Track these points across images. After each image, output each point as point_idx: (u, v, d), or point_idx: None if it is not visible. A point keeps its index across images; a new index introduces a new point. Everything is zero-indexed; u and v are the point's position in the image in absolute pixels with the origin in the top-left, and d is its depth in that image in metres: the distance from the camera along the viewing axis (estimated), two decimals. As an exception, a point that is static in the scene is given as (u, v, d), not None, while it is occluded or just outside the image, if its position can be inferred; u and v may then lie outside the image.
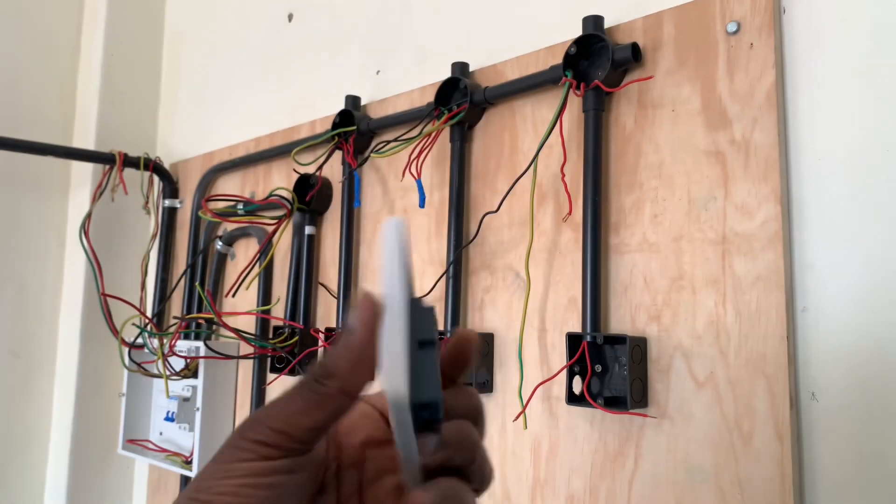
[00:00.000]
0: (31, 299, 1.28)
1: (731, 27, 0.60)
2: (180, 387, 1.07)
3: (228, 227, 1.10)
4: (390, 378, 0.29)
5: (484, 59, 0.80)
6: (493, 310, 0.74)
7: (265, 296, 1.02)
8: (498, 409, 0.72)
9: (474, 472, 0.32)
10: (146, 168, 1.21)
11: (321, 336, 0.88)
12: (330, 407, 0.30)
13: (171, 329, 1.02)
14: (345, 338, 0.30)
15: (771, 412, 0.54)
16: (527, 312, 0.69)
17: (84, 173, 1.29)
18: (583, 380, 0.62)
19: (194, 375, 1.03)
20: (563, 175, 0.68)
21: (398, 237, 0.30)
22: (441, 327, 0.75)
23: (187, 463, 1.04)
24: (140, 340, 1.01)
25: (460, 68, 0.79)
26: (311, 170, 0.94)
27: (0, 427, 1.23)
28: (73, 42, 1.37)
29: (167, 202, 1.24)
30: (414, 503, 0.29)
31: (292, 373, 0.91)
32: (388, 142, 0.80)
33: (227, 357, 1.00)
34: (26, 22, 1.30)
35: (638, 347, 0.60)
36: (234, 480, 0.29)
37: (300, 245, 0.97)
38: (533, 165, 0.67)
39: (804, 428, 0.54)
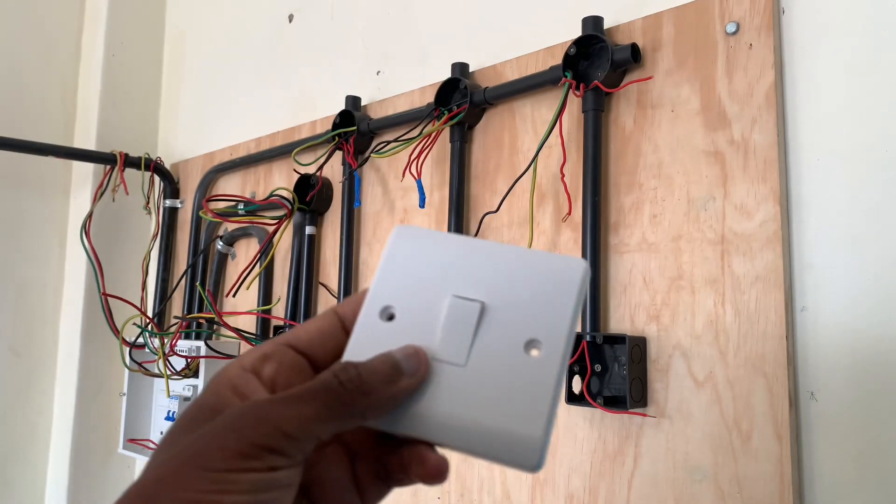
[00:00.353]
0: (33, 299, 1.28)
1: (731, 28, 0.60)
2: (181, 386, 1.07)
3: (229, 227, 1.11)
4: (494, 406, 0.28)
5: (484, 59, 0.81)
6: (493, 309, 0.74)
7: (266, 295, 1.03)
8: (498, 408, 0.72)
9: None
10: (147, 168, 1.22)
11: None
12: (347, 419, 0.27)
13: (172, 329, 1.02)
14: (394, 369, 0.28)
15: (770, 411, 0.54)
16: (526, 312, 0.69)
17: (85, 173, 1.29)
18: (582, 379, 0.62)
19: (195, 375, 1.03)
20: (563, 175, 0.68)
21: (583, 284, 0.30)
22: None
23: (188, 462, 1.04)
24: (141, 340, 1.01)
25: (460, 69, 0.79)
26: (311, 170, 0.94)
27: (1, 426, 1.23)
28: (74, 42, 1.37)
29: (168, 202, 1.24)
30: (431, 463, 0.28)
31: (293, 372, 0.91)
32: (389, 142, 0.80)
33: (228, 357, 1.00)
34: (28, 22, 1.30)
35: (637, 347, 0.61)
36: (236, 497, 0.24)
37: (300, 245, 0.97)
38: (533, 165, 0.67)
39: (803, 427, 0.54)
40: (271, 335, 0.97)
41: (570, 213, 0.68)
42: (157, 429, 1.15)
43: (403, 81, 0.91)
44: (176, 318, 1.17)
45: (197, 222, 1.17)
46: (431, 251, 0.32)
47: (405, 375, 0.28)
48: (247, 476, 0.24)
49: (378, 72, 0.95)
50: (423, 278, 0.31)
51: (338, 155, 0.92)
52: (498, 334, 0.30)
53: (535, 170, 0.67)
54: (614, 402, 0.60)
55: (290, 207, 0.89)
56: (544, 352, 0.29)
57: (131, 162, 1.20)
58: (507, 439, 0.27)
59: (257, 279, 1.02)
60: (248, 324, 1.03)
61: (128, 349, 1.01)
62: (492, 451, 0.28)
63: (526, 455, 0.27)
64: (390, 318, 0.31)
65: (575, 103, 0.68)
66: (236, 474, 0.24)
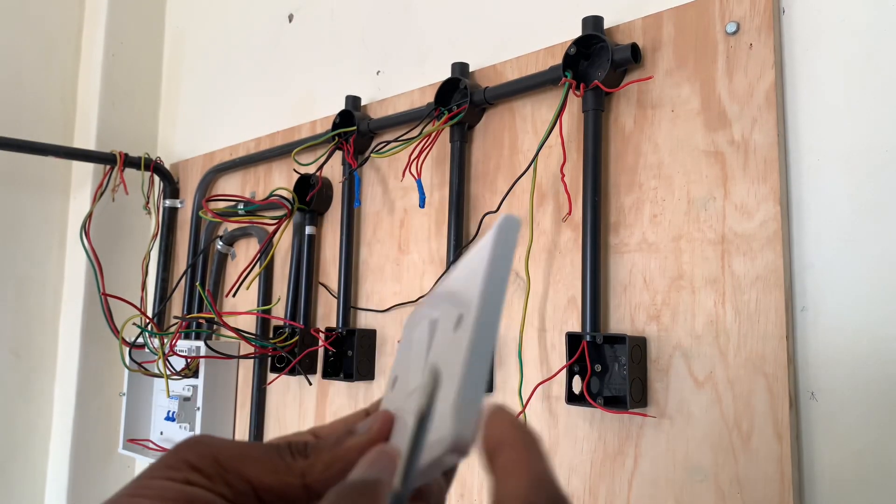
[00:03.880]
0: (33, 299, 1.28)
1: (731, 27, 0.60)
2: (181, 386, 1.07)
3: (229, 227, 1.11)
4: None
5: (484, 59, 0.81)
6: (493, 309, 0.74)
7: (265, 295, 1.02)
8: (498, 408, 0.72)
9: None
10: (147, 168, 1.22)
11: (321, 336, 0.88)
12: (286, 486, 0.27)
13: (172, 329, 1.02)
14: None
15: (770, 412, 0.54)
16: (527, 312, 0.69)
17: (85, 173, 1.29)
18: (582, 379, 0.62)
19: (195, 375, 1.03)
20: (563, 175, 0.68)
21: (510, 239, 0.25)
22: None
23: (188, 462, 1.04)
24: (141, 340, 1.01)
25: (460, 68, 0.79)
26: (311, 170, 0.94)
27: (1, 426, 1.23)
28: (74, 42, 1.37)
29: (168, 202, 1.24)
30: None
31: (292, 372, 0.91)
32: (389, 142, 0.80)
33: (228, 357, 1.00)
34: (28, 22, 1.30)
35: (637, 347, 0.60)
36: (145, 501, 0.25)
37: (300, 245, 0.97)
38: (533, 165, 0.67)
39: (803, 427, 0.54)
40: (271, 336, 0.96)
41: (570, 213, 0.68)
42: (157, 429, 1.15)
43: (403, 81, 0.91)
44: (176, 318, 1.17)
45: (197, 222, 1.17)
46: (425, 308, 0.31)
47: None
48: (160, 482, 0.25)
49: (378, 71, 0.95)
50: (413, 335, 0.32)
51: (338, 155, 0.92)
52: (441, 335, 0.26)
53: (535, 170, 0.67)
54: (614, 403, 0.60)
55: (289, 207, 0.89)
56: (464, 322, 0.24)
57: (131, 162, 1.20)
58: (439, 438, 0.22)
59: (257, 279, 1.02)
60: (248, 324, 1.03)
61: (128, 349, 1.01)
62: (432, 455, 0.23)
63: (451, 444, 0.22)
64: (394, 384, 0.32)
65: (575, 103, 0.68)
66: (154, 480, 0.25)
